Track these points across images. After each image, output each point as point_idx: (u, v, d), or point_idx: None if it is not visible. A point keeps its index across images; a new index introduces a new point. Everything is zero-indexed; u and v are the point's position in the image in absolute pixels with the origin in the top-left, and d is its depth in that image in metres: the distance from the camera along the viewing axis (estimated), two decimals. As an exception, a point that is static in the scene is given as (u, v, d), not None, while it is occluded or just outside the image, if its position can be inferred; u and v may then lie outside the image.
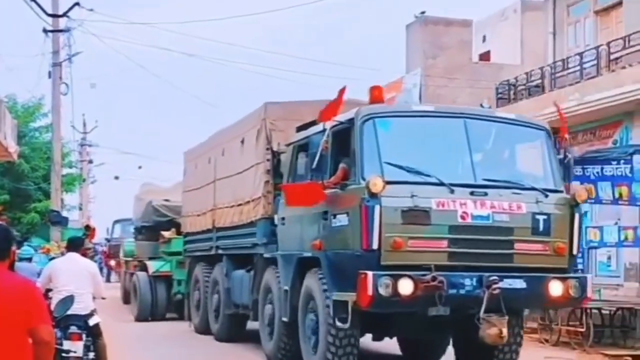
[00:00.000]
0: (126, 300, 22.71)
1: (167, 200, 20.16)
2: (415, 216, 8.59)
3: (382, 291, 8.39)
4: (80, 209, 40.99)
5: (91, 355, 8.37)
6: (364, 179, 8.70)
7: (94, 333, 8.43)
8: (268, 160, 11.82)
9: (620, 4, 18.24)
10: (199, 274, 15.44)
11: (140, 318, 18.78)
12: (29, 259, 13.49)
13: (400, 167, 8.80)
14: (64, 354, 7.69)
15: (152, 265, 18.89)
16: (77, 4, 24.06)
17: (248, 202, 12.40)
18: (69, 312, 7.83)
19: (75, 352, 7.89)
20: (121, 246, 28.89)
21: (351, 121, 9.11)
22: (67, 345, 7.87)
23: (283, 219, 10.93)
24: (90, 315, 8.39)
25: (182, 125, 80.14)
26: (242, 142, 12.94)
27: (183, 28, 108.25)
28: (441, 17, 27.50)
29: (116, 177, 47.90)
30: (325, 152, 9.10)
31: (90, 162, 45.89)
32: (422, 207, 8.62)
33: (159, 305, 18.86)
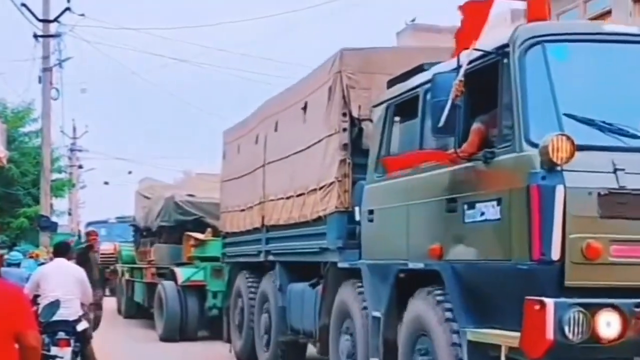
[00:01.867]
0: (127, 313, 20.43)
1: (191, 195, 16.89)
2: (623, 204, 5.07)
3: (570, 332, 4.89)
4: (70, 214, 40.11)
5: None
6: (531, 143, 5.22)
7: (82, 339, 8.33)
8: (345, 130, 8.35)
9: (609, 12, 17.64)
10: (242, 286, 12.01)
11: (166, 337, 15.50)
12: (18, 264, 12.82)
13: (591, 123, 5.29)
14: None
15: (182, 274, 15.52)
16: (68, 9, 23.99)
17: (314, 190, 8.94)
18: (57, 318, 7.79)
19: (62, 357, 7.79)
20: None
21: (503, 50, 5.61)
22: (54, 351, 7.78)
23: (371, 212, 7.45)
24: (79, 320, 8.29)
25: (172, 131, 79.37)
26: (304, 108, 9.47)
27: (174, 33, 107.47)
28: (432, 25, 27.86)
29: (106, 183, 47.92)
30: (459, 102, 5.60)
31: (80, 167, 45.69)
32: (634, 189, 5.11)
33: (189, 322, 15.55)
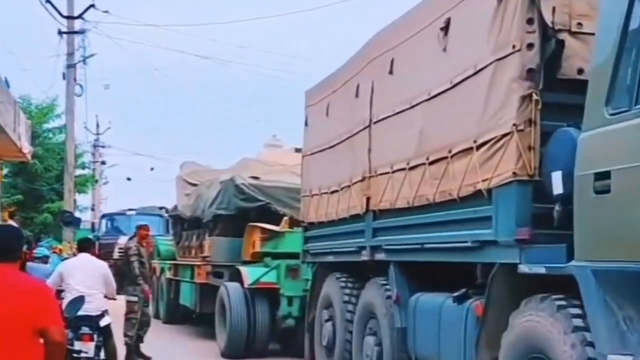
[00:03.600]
0: (168, 318, 17.27)
1: (255, 177, 13.83)
2: None
3: None
4: (93, 209, 39.89)
5: (102, 355, 8.26)
6: None
7: (105, 334, 8.31)
8: (530, 47, 5.07)
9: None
10: (333, 294, 8.85)
11: (230, 353, 12.44)
12: (44, 260, 12.41)
13: None
14: (75, 355, 7.64)
15: (249, 274, 12.41)
16: (92, 6, 24.11)
17: (467, 150, 5.68)
18: (80, 313, 7.70)
19: (86, 352, 7.81)
20: (113, 245, 24.60)
21: None
22: (78, 345, 7.78)
23: (603, 176, 4.16)
24: (102, 316, 8.25)
25: (194, 127, 77.84)
26: (445, 28, 6.17)
27: (197, 30, 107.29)
28: None
29: (128, 179, 47.97)
30: None
31: (103, 163, 45.93)
32: None
33: (258, 333, 12.40)
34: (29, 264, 11.09)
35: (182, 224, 17.27)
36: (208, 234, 14.67)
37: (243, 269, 12.53)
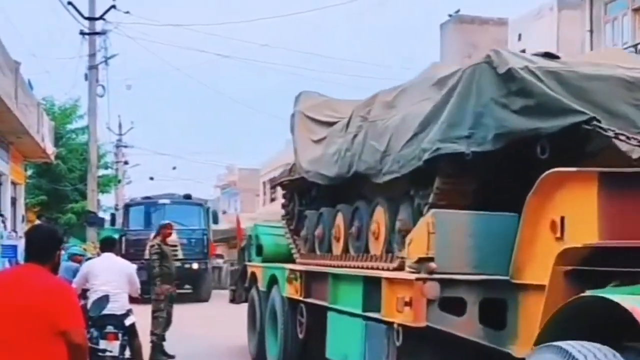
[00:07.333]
0: None
1: (554, 56, 6.14)
2: None
3: None
4: (116, 209, 40.50)
5: (127, 354, 8.32)
6: None
7: (130, 333, 8.40)
8: None
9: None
10: None
11: None
12: (78, 258, 12.46)
13: None
14: (100, 354, 7.74)
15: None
16: (113, 6, 24.80)
17: None
18: (105, 312, 7.85)
19: (111, 351, 7.90)
20: (144, 242, 18.35)
21: None
22: (103, 344, 7.89)
23: None
24: (127, 315, 8.38)
25: (215, 127, 77.74)
26: None
27: (217, 29, 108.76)
28: (476, 16, 27.70)
29: (151, 178, 49.74)
30: None
31: (126, 163, 46.26)
32: None
33: None
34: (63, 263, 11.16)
35: (301, 198, 9.98)
36: (386, 206, 7.18)
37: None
